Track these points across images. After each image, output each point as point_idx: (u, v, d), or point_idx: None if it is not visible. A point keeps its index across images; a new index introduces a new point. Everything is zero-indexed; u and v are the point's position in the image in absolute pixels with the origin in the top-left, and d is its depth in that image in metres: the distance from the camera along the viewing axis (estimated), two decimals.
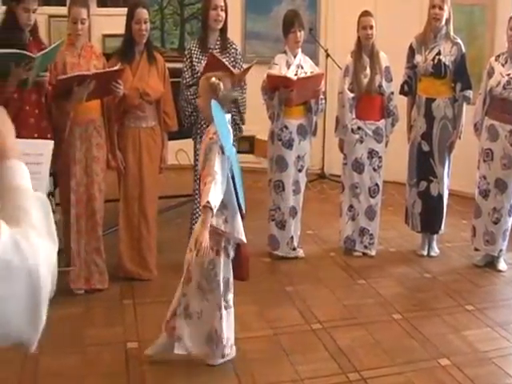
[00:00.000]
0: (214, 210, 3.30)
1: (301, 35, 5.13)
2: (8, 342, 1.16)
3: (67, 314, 4.24)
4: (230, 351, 3.71)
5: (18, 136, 4.17)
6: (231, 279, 3.64)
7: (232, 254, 3.61)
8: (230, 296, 3.66)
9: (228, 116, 3.63)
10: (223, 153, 3.39)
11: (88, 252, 4.57)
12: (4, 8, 4.56)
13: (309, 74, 5.14)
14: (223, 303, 3.60)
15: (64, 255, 4.55)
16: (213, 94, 3.48)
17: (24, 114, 4.28)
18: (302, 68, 5.19)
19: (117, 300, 4.50)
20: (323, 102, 5.29)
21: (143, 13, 4.72)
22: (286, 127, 5.19)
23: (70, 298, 4.47)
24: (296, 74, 5.10)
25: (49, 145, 2.69)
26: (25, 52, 4.13)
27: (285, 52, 5.20)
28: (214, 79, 3.52)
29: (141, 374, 3.58)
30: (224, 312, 3.61)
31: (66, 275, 4.53)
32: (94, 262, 4.59)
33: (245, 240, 3.57)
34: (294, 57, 5.18)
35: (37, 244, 1.15)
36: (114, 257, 4.77)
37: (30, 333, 1.17)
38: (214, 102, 3.43)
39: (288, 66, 5.15)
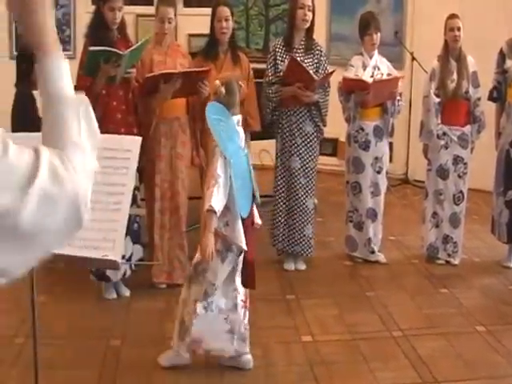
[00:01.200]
0: (218, 214, 3.27)
1: (377, 37, 5.08)
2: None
3: (149, 307, 4.34)
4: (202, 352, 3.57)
5: (106, 131, 4.27)
6: (218, 284, 3.50)
7: (229, 258, 3.49)
8: (212, 300, 3.50)
9: (236, 118, 3.57)
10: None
11: (171, 247, 4.64)
12: (93, 7, 4.70)
13: (385, 77, 5.08)
14: (203, 303, 3.47)
15: (148, 249, 4.64)
16: (215, 97, 3.51)
17: (111, 110, 4.38)
18: (379, 69, 5.13)
19: None
20: (400, 103, 5.22)
21: (224, 10, 4.77)
22: (362, 129, 5.14)
23: (152, 291, 4.57)
24: (372, 76, 5.06)
25: (137, 141, 2.74)
26: (113, 49, 4.23)
27: (361, 54, 5.16)
28: (217, 82, 3.56)
29: (220, 372, 3.61)
30: (201, 311, 3.47)
31: (149, 269, 4.62)
32: (176, 258, 4.65)
33: (245, 247, 3.44)
34: (371, 58, 5.12)
35: (76, 164, 1.13)
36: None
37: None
38: (210, 105, 3.44)
39: (364, 67, 5.11)
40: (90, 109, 1.24)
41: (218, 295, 3.50)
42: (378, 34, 5.09)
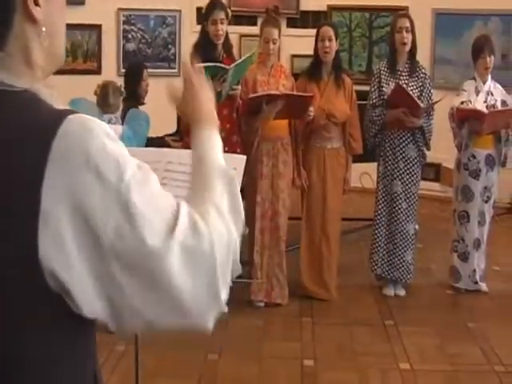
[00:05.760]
0: None
1: (490, 61, 4.94)
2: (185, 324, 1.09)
3: (247, 324, 4.38)
4: None
5: None
6: None
7: None
8: None
9: (108, 116, 4.33)
10: None
11: (270, 266, 4.66)
12: (198, 27, 4.81)
13: (501, 108, 4.95)
14: None
15: (246, 267, 4.68)
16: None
17: None
18: (492, 95, 4.99)
19: (296, 316, 4.55)
20: None
21: (328, 30, 4.77)
22: (474, 157, 4.99)
23: (250, 309, 4.60)
24: (485, 101, 4.91)
25: (242, 160, 2.77)
26: (219, 64, 4.30)
27: (474, 78, 5.03)
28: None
29: None
30: None
31: (247, 286, 4.65)
32: (275, 276, 4.66)
33: None
34: (484, 83, 4.98)
35: (214, 224, 1.09)
36: (294, 274, 4.81)
37: (205, 312, 1.08)
38: (73, 100, 3.87)
39: (477, 92, 4.97)
40: (237, 187, 1.24)
41: None
42: (492, 58, 4.95)
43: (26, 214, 0.98)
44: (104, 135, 1.02)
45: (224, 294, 1.09)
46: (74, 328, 1.06)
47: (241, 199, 1.22)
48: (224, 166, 1.26)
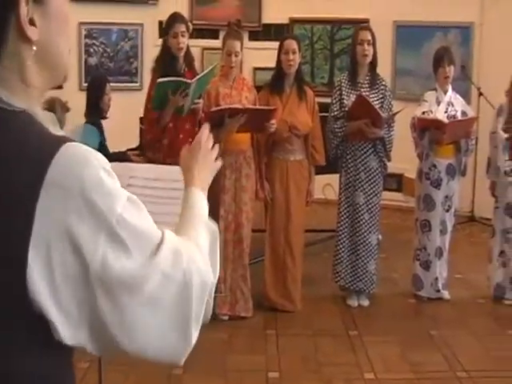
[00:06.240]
0: None
1: (450, 70, 5.02)
2: (159, 357, 1.13)
3: (211, 338, 4.32)
4: None
5: (173, 163, 4.32)
6: None
7: None
8: None
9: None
10: None
11: (234, 279, 4.66)
12: (160, 41, 4.82)
13: (461, 118, 5.03)
14: None
15: None
16: None
17: (178, 143, 4.43)
18: (453, 106, 5.07)
19: (260, 329, 4.56)
20: (473, 142, 5.15)
21: (292, 43, 4.81)
22: (435, 166, 5.07)
23: (214, 322, 4.55)
24: (446, 112, 4.99)
25: None
26: (180, 79, 4.31)
27: (435, 89, 5.11)
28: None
29: None
30: None
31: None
32: (239, 289, 4.67)
33: None
34: (445, 94, 5.07)
35: (197, 261, 1.13)
36: (259, 286, 4.83)
37: (178, 347, 1.12)
38: None
39: (438, 103, 5.05)
40: (218, 243, 1.33)
41: None
42: (452, 67, 5.04)
43: (17, 237, 0.98)
44: (99, 167, 1.03)
45: (195, 334, 1.12)
46: (58, 352, 1.06)
47: (218, 257, 1.30)
48: (210, 222, 1.34)
